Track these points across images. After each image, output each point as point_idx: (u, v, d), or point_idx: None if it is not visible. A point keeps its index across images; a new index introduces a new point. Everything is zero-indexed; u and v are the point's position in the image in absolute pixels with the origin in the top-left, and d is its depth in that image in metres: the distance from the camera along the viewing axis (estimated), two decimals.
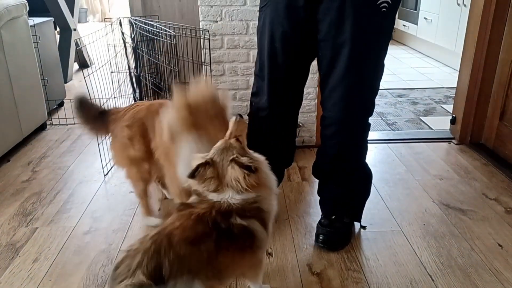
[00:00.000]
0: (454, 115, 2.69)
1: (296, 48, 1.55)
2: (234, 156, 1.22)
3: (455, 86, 2.70)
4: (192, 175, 1.21)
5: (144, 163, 1.73)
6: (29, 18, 2.77)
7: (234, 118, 1.31)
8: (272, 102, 1.64)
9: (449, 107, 3.10)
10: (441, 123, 2.94)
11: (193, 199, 1.26)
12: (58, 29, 4.17)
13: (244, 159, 1.21)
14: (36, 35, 2.80)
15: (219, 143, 1.27)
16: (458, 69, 2.65)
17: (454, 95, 2.75)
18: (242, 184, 1.19)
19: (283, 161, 1.87)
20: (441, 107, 3.35)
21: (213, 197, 1.22)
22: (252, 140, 1.76)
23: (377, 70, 1.54)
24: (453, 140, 2.67)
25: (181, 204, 1.25)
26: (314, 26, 1.49)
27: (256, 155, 1.31)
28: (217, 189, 1.22)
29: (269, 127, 1.70)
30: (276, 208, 1.34)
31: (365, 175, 1.78)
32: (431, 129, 2.92)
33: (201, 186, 1.23)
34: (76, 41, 4.13)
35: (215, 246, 1.13)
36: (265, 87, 1.63)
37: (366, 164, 1.76)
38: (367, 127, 1.66)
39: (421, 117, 3.12)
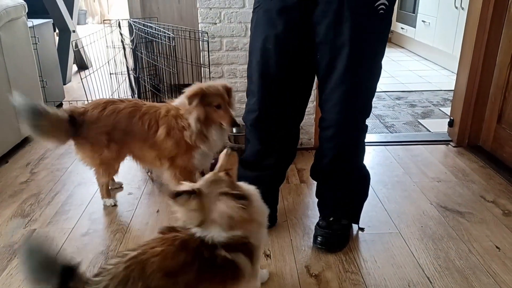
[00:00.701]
0: (452, 118, 2.70)
1: (293, 49, 1.54)
2: (225, 189, 1.14)
3: (453, 88, 2.71)
4: (175, 195, 1.12)
5: (115, 162, 1.93)
6: (28, 19, 2.78)
7: (225, 151, 1.26)
8: (265, 103, 1.62)
9: (447, 110, 3.11)
10: (439, 126, 2.95)
11: (180, 224, 1.19)
12: (57, 30, 4.17)
13: (235, 191, 1.14)
14: (35, 37, 2.81)
15: (208, 176, 1.21)
16: (456, 72, 2.66)
17: (452, 98, 2.76)
18: (235, 217, 1.11)
19: (283, 161, 1.84)
20: (439, 109, 3.36)
21: (196, 231, 1.13)
22: (247, 141, 1.76)
23: (375, 71, 1.55)
24: (451, 143, 2.68)
25: (165, 227, 1.18)
26: (310, 28, 1.49)
27: (247, 187, 1.25)
28: (201, 224, 1.14)
29: (262, 128, 1.68)
30: (266, 240, 1.28)
31: (363, 177, 1.79)
32: (429, 131, 2.93)
33: (184, 217, 1.16)
34: (75, 43, 4.13)
35: (196, 278, 1.07)
36: (256, 88, 1.62)
37: (364, 166, 1.77)
38: (365, 129, 1.67)
39: (419, 120, 3.13)
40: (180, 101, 1.84)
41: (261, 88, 1.61)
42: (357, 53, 1.45)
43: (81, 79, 2.16)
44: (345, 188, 1.74)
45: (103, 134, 1.83)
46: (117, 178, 2.21)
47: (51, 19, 3.39)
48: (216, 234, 1.13)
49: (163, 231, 1.16)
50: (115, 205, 2.03)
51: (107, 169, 1.93)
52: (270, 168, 1.76)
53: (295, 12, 1.47)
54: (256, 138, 1.72)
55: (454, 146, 2.64)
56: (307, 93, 1.69)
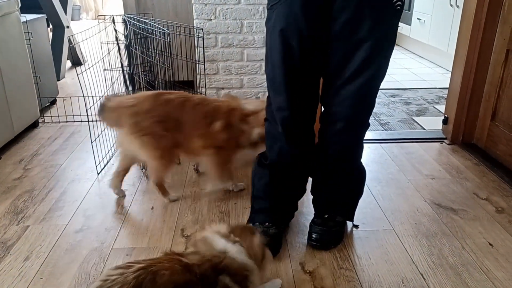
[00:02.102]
0: (446, 116, 2.71)
1: (314, 44, 1.50)
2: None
3: (448, 86, 2.72)
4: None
5: (174, 152, 1.95)
6: (21, 14, 2.75)
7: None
8: (295, 100, 1.57)
9: (442, 108, 3.12)
10: (433, 123, 2.96)
11: (187, 251, 1.26)
12: (50, 26, 4.14)
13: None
14: (28, 32, 2.78)
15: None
16: (451, 70, 2.67)
17: (446, 96, 2.77)
18: (257, 251, 1.27)
19: (307, 169, 1.76)
20: (434, 107, 3.38)
21: (220, 243, 1.23)
22: (274, 144, 1.68)
23: (385, 67, 1.55)
24: (445, 140, 2.69)
25: (170, 251, 1.25)
26: (328, 24, 1.46)
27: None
28: (228, 235, 1.26)
29: (294, 126, 1.61)
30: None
31: (361, 175, 1.78)
32: (424, 129, 2.94)
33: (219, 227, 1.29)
34: (69, 39, 4.10)
35: None
36: (281, 87, 1.55)
37: (361, 163, 1.77)
38: (368, 126, 1.66)
39: (413, 117, 3.14)
40: (255, 106, 1.90)
41: (287, 86, 1.54)
42: (375, 49, 1.45)
43: (77, 75, 2.14)
44: (343, 186, 1.73)
45: (159, 123, 1.85)
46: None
47: (45, 15, 3.35)
48: (236, 251, 1.22)
49: (168, 253, 1.20)
50: (175, 200, 2.04)
51: (167, 161, 1.93)
52: (301, 168, 1.72)
53: (317, 6, 1.44)
54: (287, 137, 1.63)
55: (448, 144, 2.65)
56: (318, 88, 1.65)
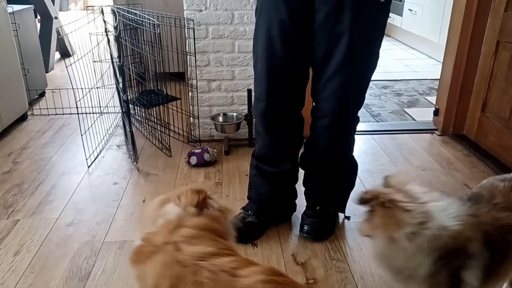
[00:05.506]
0: (437, 107, 2.72)
1: (297, 35, 1.50)
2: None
3: (439, 78, 2.73)
4: None
5: None
6: (8, 5, 2.70)
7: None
8: (273, 92, 1.57)
9: (433, 99, 3.14)
10: (424, 115, 2.98)
11: None
12: (38, 17, 4.07)
13: None
14: (15, 23, 2.73)
15: None
16: (442, 61, 2.67)
17: (437, 87, 2.79)
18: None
19: (295, 151, 1.75)
20: (425, 98, 3.39)
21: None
22: (258, 135, 1.71)
23: (372, 61, 1.54)
24: (436, 132, 2.71)
25: None
26: (310, 15, 1.46)
27: None
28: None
29: (271, 118, 1.62)
30: None
31: (352, 167, 1.79)
32: (415, 120, 2.96)
33: None
34: (58, 30, 4.04)
35: None
36: (262, 78, 1.56)
37: (353, 156, 1.77)
38: (357, 120, 1.66)
39: (405, 109, 3.15)
40: None
41: (268, 77, 1.54)
42: (356, 42, 1.44)
43: (66, 67, 2.11)
44: (334, 178, 1.74)
45: None
46: (104, 167, 2.18)
47: (32, 5, 3.29)
48: None
49: None
50: None
51: None
52: (285, 161, 1.72)
53: None
54: (266, 129, 1.65)
55: (439, 135, 2.67)
56: (307, 81, 1.64)
